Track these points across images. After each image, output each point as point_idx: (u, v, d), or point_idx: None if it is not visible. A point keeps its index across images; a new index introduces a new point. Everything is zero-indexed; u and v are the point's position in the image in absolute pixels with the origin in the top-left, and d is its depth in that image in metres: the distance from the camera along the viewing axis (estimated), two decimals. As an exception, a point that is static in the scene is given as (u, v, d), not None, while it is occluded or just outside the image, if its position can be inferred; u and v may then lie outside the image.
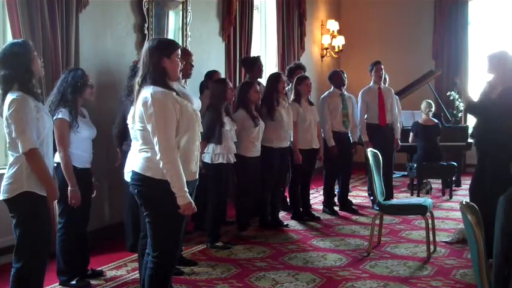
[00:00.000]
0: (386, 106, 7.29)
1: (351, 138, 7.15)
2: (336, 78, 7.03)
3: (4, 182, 3.36)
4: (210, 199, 5.38)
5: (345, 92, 7.09)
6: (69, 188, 4.15)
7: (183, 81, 4.04)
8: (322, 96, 7.14)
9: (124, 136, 4.72)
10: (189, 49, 6.77)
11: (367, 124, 7.28)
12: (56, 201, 4.27)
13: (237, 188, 6.12)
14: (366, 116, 7.31)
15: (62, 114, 4.15)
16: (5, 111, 3.29)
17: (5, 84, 3.33)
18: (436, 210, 6.68)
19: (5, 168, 4.87)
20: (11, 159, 3.40)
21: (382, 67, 7.33)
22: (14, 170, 3.32)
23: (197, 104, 4.35)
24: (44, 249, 3.45)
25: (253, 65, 6.53)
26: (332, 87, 7.08)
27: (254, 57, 6.97)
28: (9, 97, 3.29)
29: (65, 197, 4.16)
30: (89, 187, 4.40)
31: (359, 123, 7.24)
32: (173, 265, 3.48)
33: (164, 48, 3.26)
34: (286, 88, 6.59)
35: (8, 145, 3.37)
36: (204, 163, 5.21)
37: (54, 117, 4.12)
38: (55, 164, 4.18)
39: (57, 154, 4.16)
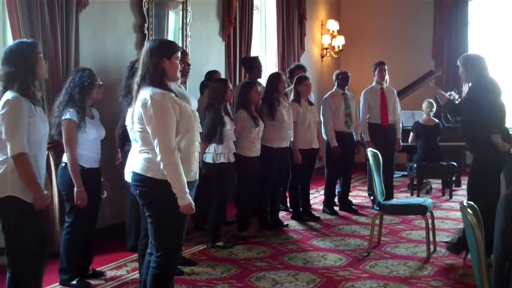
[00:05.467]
0: (389, 106, 7.29)
1: (354, 137, 7.15)
2: (342, 78, 7.04)
3: None
4: (214, 199, 5.38)
5: (347, 92, 7.10)
6: (75, 189, 4.16)
7: (179, 81, 4.03)
8: (324, 96, 7.15)
9: (127, 137, 4.72)
10: (189, 49, 6.80)
11: (369, 124, 7.28)
12: (65, 199, 4.29)
13: (237, 188, 6.12)
14: (368, 115, 7.31)
15: (70, 114, 4.14)
16: None
17: (6, 82, 3.28)
18: (436, 210, 6.68)
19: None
20: None
21: (386, 67, 7.34)
22: (0, 172, 3.24)
23: (194, 104, 4.35)
24: (37, 255, 3.36)
25: (253, 65, 6.55)
26: (335, 87, 7.09)
27: (253, 57, 6.97)
28: (5, 97, 3.23)
29: (73, 197, 4.16)
30: (97, 187, 4.39)
31: (361, 123, 7.25)
32: (175, 265, 3.49)
33: (165, 49, 3.26)
34: (287, 89, 6.58)
35: None
36: (205, 163, 5.22)
37: (62, 118, 4.13)
38: (63, 164, 4.19)
39: (64, 154, 4.16)
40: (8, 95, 3.24)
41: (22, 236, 3.27)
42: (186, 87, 5.40)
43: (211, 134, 5.16)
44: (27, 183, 3.24)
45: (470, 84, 5.02)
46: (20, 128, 3.19)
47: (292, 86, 6.71)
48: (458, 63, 5.07)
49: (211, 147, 5.28)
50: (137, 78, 3.25)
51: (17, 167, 3.20)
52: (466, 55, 5.18)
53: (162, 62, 3.23)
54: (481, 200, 4.10)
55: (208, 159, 5.29)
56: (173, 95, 3.22)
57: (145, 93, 3.16)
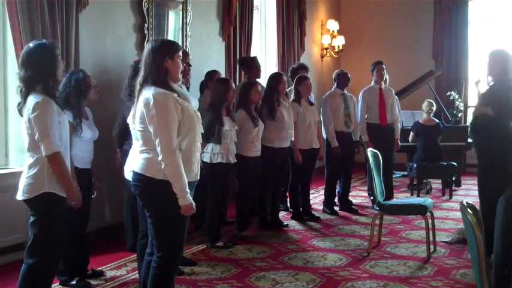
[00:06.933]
0: (387, 106, 7.30)
1: (353, 137, 7.15)
2: (342, 78, 7.04)
3: (24, 182, 3.35)
4: (209, 199, 5.38)
5: (346, 92, 7.10)
6: None
7: (180, 81, 4.04)
8: (323, 97, 7.15)
9: (125, 136, 4.73)
10: (189, 49, 6.80)
11: (368, 124, 7.29)
12: None
13: (237, 188, 6.12)
14: (366, 115, 7.32)
15: (67, 115, 4.13)
16: (28, 114, 3.27)
17: (28, 84, 3.32)
18: (436, 210, 6.68)
19: (4, 168, 4.91)
20: (28, 160, 3.37)
21: (384, 67, 7.34)
22: (35, 171, 3.32)
23: (195, 104, 4.35)
24: (57, 249, 3.45)
25: (252, 65, 6.55)
26: (334, 87, 7.09)
27: (252, 57, 6.95)
28: (33, 99, 3.28)
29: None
30: (89, 187, 4.40)
31: (360, 123, 7.25)
32: (177, 265, 3.48)
33: (167, 49, 3.26)
34: (288, 89, 6.58)
35: (27, 146, 3.35)
36: (203, 162, 5.22)
37: None
38: None
39: None
40: (36, 98, 3.28)
41: (53, 229, 3.37)
42: (188, 88, 5.40)
43: (209, 134, 5.15)
44: (61, 179, 3.35)
45: (492, 81, 4.91)
46: (52, 128, 3.27)
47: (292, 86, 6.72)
48: (488, 56, 4.94)
49: (209, 147, 5.29)
50: (140, 79, 3.25)
51: (51, 166, 3.30)
52: (496, 49, 5.07)
53: (165, 61, 3.23)
54: (483, 199, 4.09)
55: (206, 158, 5.30)
56: (176, 95, 3.22)
57: (148, 93, 3.16)
